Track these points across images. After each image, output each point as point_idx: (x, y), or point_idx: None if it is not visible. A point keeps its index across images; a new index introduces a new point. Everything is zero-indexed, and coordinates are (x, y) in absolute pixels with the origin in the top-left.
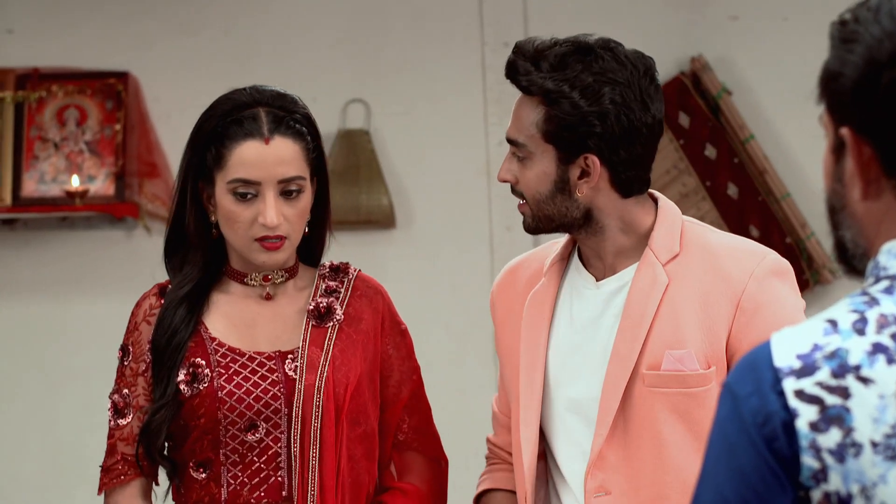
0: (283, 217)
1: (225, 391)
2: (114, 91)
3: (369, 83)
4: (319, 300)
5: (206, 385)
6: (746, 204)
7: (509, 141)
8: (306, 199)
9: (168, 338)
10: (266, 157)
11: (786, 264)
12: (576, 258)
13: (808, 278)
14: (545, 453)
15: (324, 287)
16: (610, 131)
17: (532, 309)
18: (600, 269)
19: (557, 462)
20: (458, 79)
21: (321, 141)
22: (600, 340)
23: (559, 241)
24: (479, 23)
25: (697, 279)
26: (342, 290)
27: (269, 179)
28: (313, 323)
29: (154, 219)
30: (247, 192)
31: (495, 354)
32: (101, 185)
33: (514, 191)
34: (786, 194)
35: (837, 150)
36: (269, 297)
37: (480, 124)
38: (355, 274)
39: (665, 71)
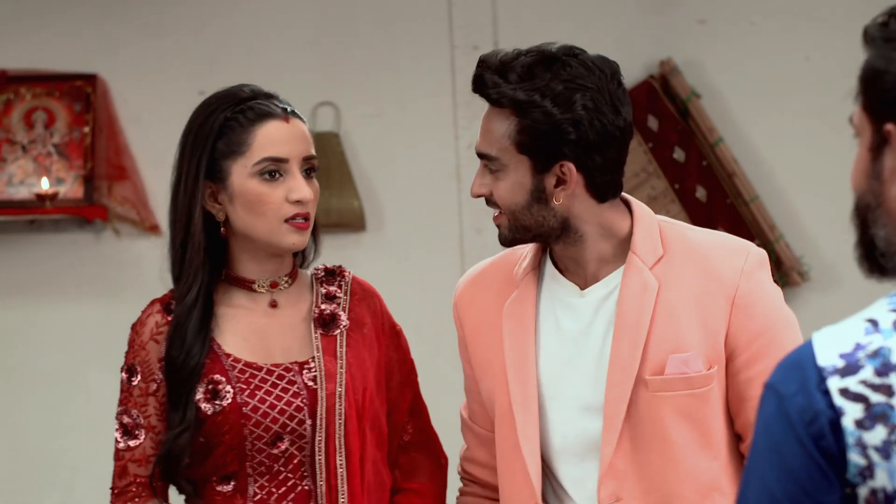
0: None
1: (249, 407)
2: (82, 93)
3: (339, 86)
4: (323, 307)
5: (228, 402)
6: (715, 207)
7: (480, 155)
8: (317, 182)
9: (183, 359)
10: (290, 134)
11: (764, 255)
12: (550, 267)
13: (777, 280)
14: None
15: (323, 292)
16: (584, 137)
17: (512, 321)
18: (581, 277)
19: (556, 473)
20: (428, 82)
21: None
22: (593, 349)
23: (522, 248)
24: (448, 26)
25: (688, 280)
26: (342, 295)
27: (296, 156)
28: (321, 331)
29: (123, 222)
30: (276, 170)
31: None
32: (70, 188)
33: (489, 202)
34: (754, 197)
35: (876, 147)
36: (274, 305)
37: (450, 127)
38: (351, 277)
39: (634, 74)
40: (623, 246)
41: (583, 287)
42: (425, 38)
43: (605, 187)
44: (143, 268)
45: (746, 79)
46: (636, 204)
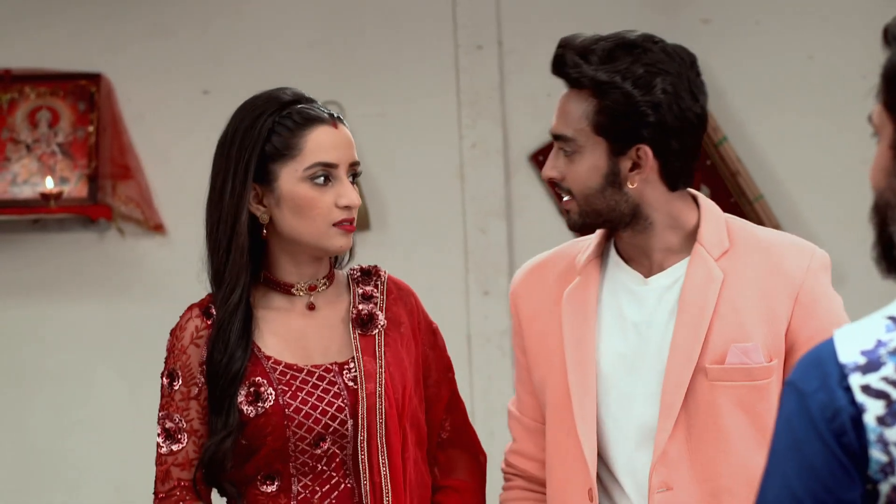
0: None
1: (292, 408)
2: (86, 92)
3: (343, 85)
4: (360, 307)
5: (270, 404)
6: (719, 205)
7: (556, 137)
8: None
9: (226, 363)
10: (339, 140)
11: (828, 258)
12: (614, 255)
13: None
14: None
15: (360, 293)
16: (662, 121)
17: (572, 307)
18: (646, 266)
19: (608, 460)
20: (432, 81)
21: None
22: (654, 337)
23: (582, 240)
24: (452, 25)
25: (752, 274)
26: (378, 295)
27: (344, 162)
28: (359, 331)
29: (127, 221)
30: (327, 175)
31: (470, 355)
32: (74, 188)
33: (560, 187)
34: (759, 196)
35: None
36: (312, 308)
37: (454, 126)
38: (386, 276)
39: None
40: (689, 238)
41: (647, 276)
42: (429, 38)
43: (678, 174)
44: (147, 267)
45: (750, 78)
46: (703, 198)
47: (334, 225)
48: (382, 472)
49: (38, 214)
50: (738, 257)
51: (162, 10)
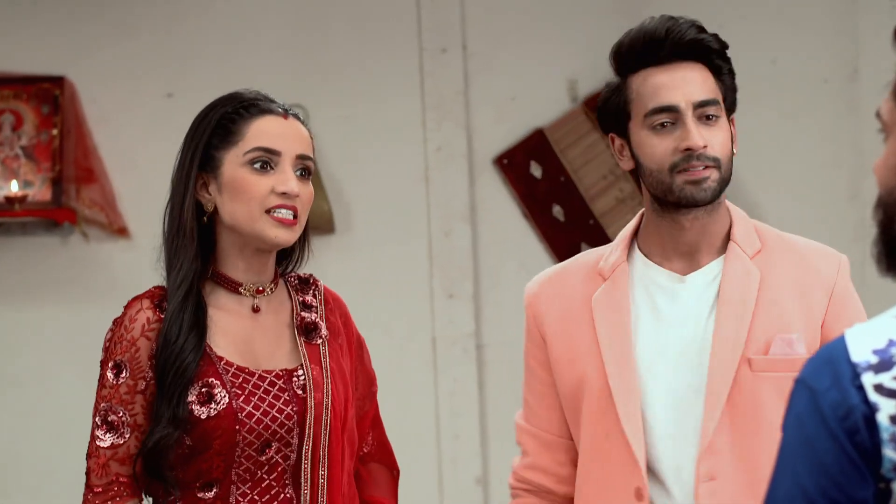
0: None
1: (244, 413)
2: (50, 96)
3: (308, 87)
4: (304, 315)
5: (223, 407)
6: None
7: (703, 103)
8: (312, 186)
9: (178, 353)
10: (286, 130)
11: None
12: (642, 258)
13: None
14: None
15: (300, 300)
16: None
17: (606, 309)
18: (681, 265)
19: (652, 456)
20: (397, 84)
21: None
22: (694, 333)
23: (597, 250)
24: (416, 28)
25: (788, 271)
26: (317, 305)
27: (289, 152)
28: (304, 339)
29: (91, 225)
30: (267, 160)
31: (435, 358)
32: (38, 191)
33: (705, 157)
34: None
35: None
36: (256, 310)
37: (419, 129)
38: (322, 286)
39: (603, 77)
40: (724, 240)
41: (683, 275)
42: (394, 41)
43: None
44: (111, 270)
45: None
46: (731, 204)
47: (268, 212)
48: (321, 483)
49: (2, 218)
50: (771, 256)
51: (126, 12)
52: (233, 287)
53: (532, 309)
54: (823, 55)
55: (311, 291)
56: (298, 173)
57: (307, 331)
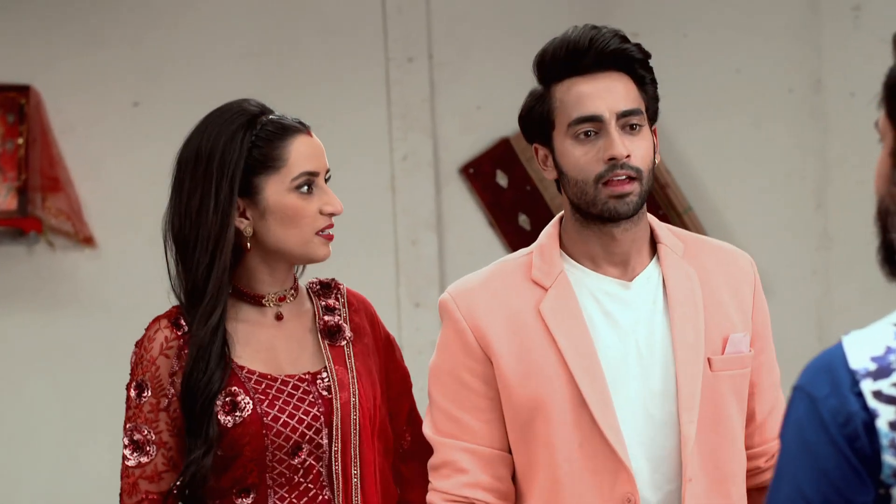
0: None
1: (270, 417)
2: (16, 104)
3: (275, 97)
4: (326, 318)
5: (248, 413)
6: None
7: (628, 113)
8: None
9: (206, 383)
10: (317, 148)
11: None
12: (575, 265)
13: None
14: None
15: (322, 305)
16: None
17: (558, 318)
18: (619, 271)
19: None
20: (363, 93)
21: None
22: (650, 337)
23: (515, 255)
24: (383, 37)
25: (714, 269)
26: (340, 307)
27: (322, 169)
28: (328, 342)
29: (57, 234)
30: (312, 184)
31: None
32: (4, 200)
33: (629, 167)
34: (688, 208)
35: None
36: (280, 318)
37: (385, 139)
38: (345, 289)
39: None
40: (650, 244)
41: (625, 280)
42: (360, 50)
43: None
44: (77, 280)
45: (679, 91)
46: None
47: (318, 233)
48: (354, 483)
49: None
50: (696, 256)
51: (92, 22)
52: (256, 300)
53: (468, 322)
54: (788, 65)
55: (334, 295)
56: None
57: (330, 333)
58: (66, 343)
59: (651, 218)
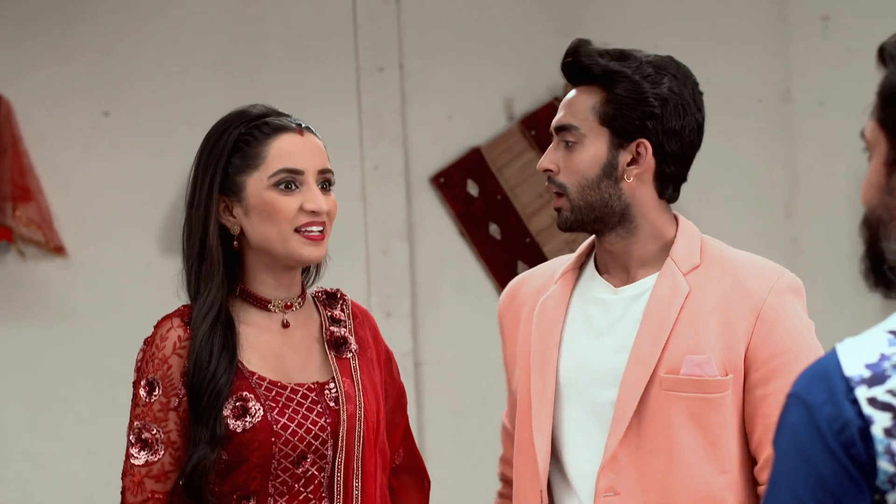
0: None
1: (279, 425)
2: None
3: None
4: (333, 329)
5: (259, 419)
6: None
7: (559, 128)
8: (334, 197)
9: (210, 377)
10: (305, 147)
11: (800, 284)
12: (591, 267)
13: None
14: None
15: (329, 315)
16: (667, 117)
17: (543, 314)
18: (619, 278)
19: (565, 464)
20: (334, 102)
21: None
22: (617, 345)
23: (569, 255)
24: (354, 47)
25: (718, 290)
26: (346, 319)
27: (311, 168)
28: (334, 353)
29: (28, 243)
30: (292, 181)
31: None
32: None
33: (553, 182)
34: None
35: (892, 162)
36: (286, 325)
37: (356, 148)
38: (350, 301)
39: (539, 96)
40: (665, 252)
41: (618, 286)
42: (331, 60)
43: (669, 180)
44: (48, 289)
45: None
46: (684, 219)
47: (297, 230)
48: (355, 496)
49: None
50: (707, 274)
51: (62, 32)
52: (262, 304)
53: (499, 314)
54: (757, 76)
55: (339, 306)
56: (320, 186)
57: (337, 345)
58: (36, 352)
59: (684, 230)
